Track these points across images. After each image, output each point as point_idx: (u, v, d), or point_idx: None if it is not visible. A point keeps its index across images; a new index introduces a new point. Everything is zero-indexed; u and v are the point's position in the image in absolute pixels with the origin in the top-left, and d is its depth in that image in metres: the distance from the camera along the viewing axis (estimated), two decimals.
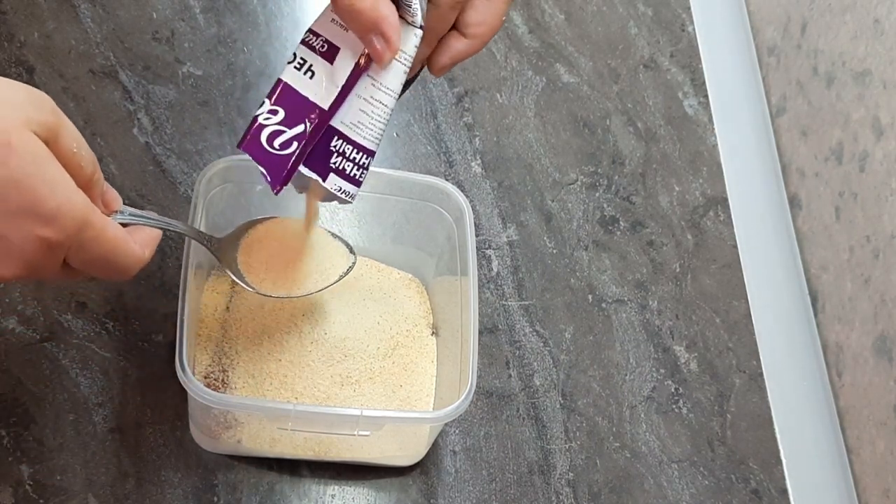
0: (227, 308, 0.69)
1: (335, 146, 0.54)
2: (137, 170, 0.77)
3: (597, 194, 0.85)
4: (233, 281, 0.63)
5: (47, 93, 0.78)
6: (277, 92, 0.54)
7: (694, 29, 0.96)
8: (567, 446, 0.73)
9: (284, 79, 0.54)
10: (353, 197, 0.57)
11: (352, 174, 0.55)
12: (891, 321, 0.76)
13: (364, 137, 0.54)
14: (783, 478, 0.75)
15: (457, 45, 0.55)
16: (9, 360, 0.68)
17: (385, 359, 0.68)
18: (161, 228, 0.55)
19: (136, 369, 0.69)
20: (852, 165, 0.83)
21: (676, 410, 0.76)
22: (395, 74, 0.52)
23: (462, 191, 0.70)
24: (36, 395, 0.67)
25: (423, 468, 0.70)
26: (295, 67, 0.54)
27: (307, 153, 0.54)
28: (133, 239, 0.52)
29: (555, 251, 0.81)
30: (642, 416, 0.75)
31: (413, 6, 0.50)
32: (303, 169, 0.55)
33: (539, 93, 0.89)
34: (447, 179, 0.80)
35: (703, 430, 0.76)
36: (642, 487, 0.72)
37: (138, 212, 0.54)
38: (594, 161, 0.86)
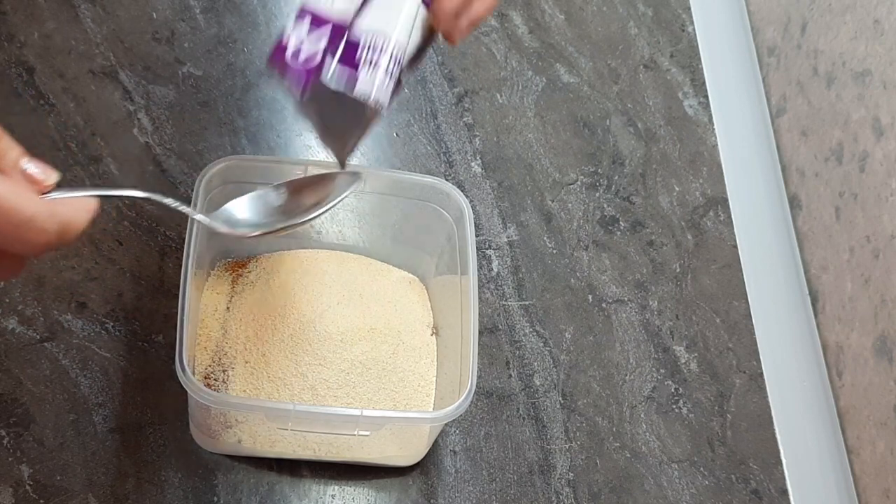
0: (227, 308, 0.69)
1: (361, 52, 0.54)
2: (137, 170, 0.77)
3: (597, 194, 0.85)
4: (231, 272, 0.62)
5: (48, 93, 0.79)
6: (299, 10, 0.54)
7: (694, 29, 0.96)
8: (567, 446, 0.73)
9: (307, 8, 0.54)
10: (384, 103, 0.55)
11: (388, 66, 0.54)
12: (891, 321, 0.76)
13: (389, 34, 0.54)
14: (783, 478, 0.75)
15: (476, 5, 0.55)
16: (9, 360, 0.68)
17: (385, 359, 0.68)
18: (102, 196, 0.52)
19: (136, 369, 0.69)
20: (852, 165, 0.83)
21: (676, 410, 0.76)
22: None
23: (462, 191, 0.70)
24: (36, 395, 0.67)
25: (423, 468, 0.70)
26: None
27: (331, 65, 0.54)
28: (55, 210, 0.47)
29: (555, 251, 0.81)
30: (642, 416, 0.75)
31: None
32: (332, 80, 0.54)
33: (539, 93, 0.89)
34: (447, 179, 0.80)
35: (703, 430, 0.76)
36: (642, 487, 0.72)
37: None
38: (594, 161, 0.86)
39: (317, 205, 0.60)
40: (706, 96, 0.92)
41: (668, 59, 0.93)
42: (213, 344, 0.68)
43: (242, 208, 0.60)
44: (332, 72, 0.54)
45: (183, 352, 0.58)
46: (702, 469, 0.74)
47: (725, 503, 0.73)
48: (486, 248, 0.80)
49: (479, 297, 0.74)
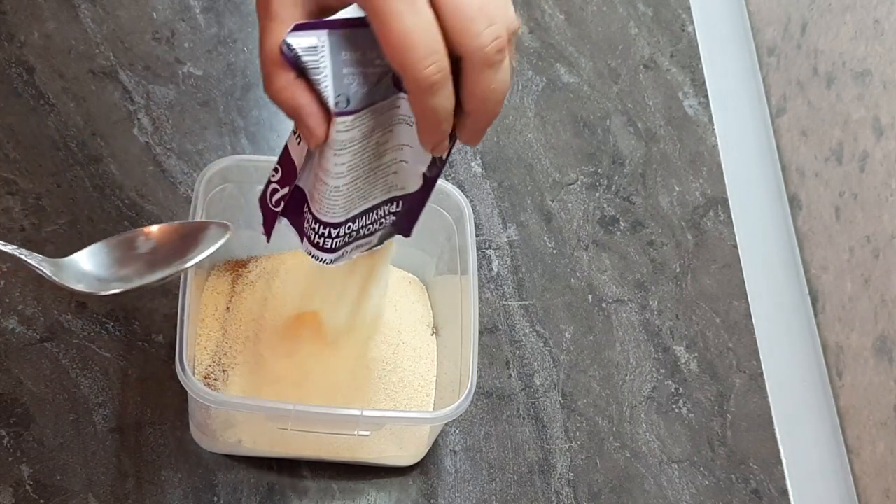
0: (227, 308, 0.69)
1: (306, 210, 0.55)
2: (137, 170, 0.77)
3: (597, 194, 0.85)
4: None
5: (48, 93, 0.79)
6: (281, 152, 0.55)
7: (694, 29, 0.96)
8: (567, 446, 0.73)
9: (287, 141, 0.55)
10: (327, 261, 0.57)
11: (315, 241, 0.55)
12: (891, 321, 0.76)
13: (317, 208, 0.54)
14: (783, 478, 0.75)
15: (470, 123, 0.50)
16: (9, 360, 0.68)
17: (385, 359, 0.68)
18: None
19: (136, 369, 0.69)
20: (852, 165, 0.83)
21: (676, 410, 0.76)
22: (328, 158, 0.51)
23: (462, 191, 0.70)
24: (36, 395, 0.67)
25: (423, 468, 0.70)
26: (293, 131, 0.54)
27: (291, 211, 0.55)
28: None
29: (555, 251, 0.81)
30: (642, 416, 0.75)
31: (324, 93, 0.48)
32: (289, 226, 0.56)
33: (539, 93, 0.89)
34: (447, 179, 0.80)
35: (703, 430, 0.76)
36: (642, 487, 0.72)
37: None
38: (594, 161, 0.86)
39: (184, 257, 0.57)
40: (706, 96, 0.92)
41: (668, 59, 0.93)
42: (213, 344, 0.68)
43: (102, 257, 0.57)
44: (286, 223, 0.56)
45: (183, 352, 0.58)
46: (702, 469, 0.74)
47: (725, 503, 0.73)
48: (486, 248, 0.80)
49: (479, 297, 0.74)
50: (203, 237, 0.58)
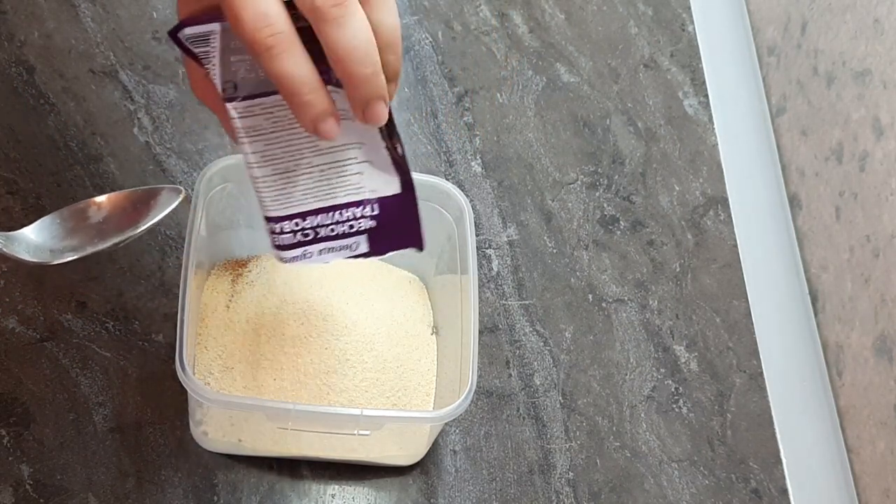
0: (227, 308, 0.69)
1: None
2: (137, 169, 0.77)
3: (597, 194, 0.85)
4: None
5: (48, 92, 0.79)
6: None
7: (694, 29, 0.96)
8: (567, 446, 0.73)
9: None
10: (285, 259, 0.54)
11: (268, 236, 0.54)
12: (891, 321, 0.76)
13: (258, 200, 0.53)
14: (783, 478, 0.75)
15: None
16: (9, 360, 0.68)
17: (385, 358, 0.68)
18: None
19: (136, 369, 0.69)
20: (852, 165, 0.83)
21: (676, 410, 0.76)
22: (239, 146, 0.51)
23: (462, 190, 0.70)
24: (36, 395, 0.67)
25: (423, 468, 0.70)
26: None
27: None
28: None
29: (555, 251, 0.81)
30: (642, 415, 0.75)
31: (214, 80, 0.48)
32: None
33: (539, 92, 0.89)
34: (447, 179, 0.80)
35: (703, 430, 0.76)
36: (642, 487, 0.72)
37: None
38: (594, 161, 0.86)
39: (136, 223, 0.57)
40: (706, 96, 0.92)
41: (668, 59, 0.93)
42: (213, 343, 0.68)
43: (54, 228, 0.56)
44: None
45: (183, 351, 0.58)
46: (702, 468, 0.74)
47: (725, 503, 0.73)
48: (486, 248, 0.80)
49: (479, 297, 0.74)
50: (155, 203, 0.58)
